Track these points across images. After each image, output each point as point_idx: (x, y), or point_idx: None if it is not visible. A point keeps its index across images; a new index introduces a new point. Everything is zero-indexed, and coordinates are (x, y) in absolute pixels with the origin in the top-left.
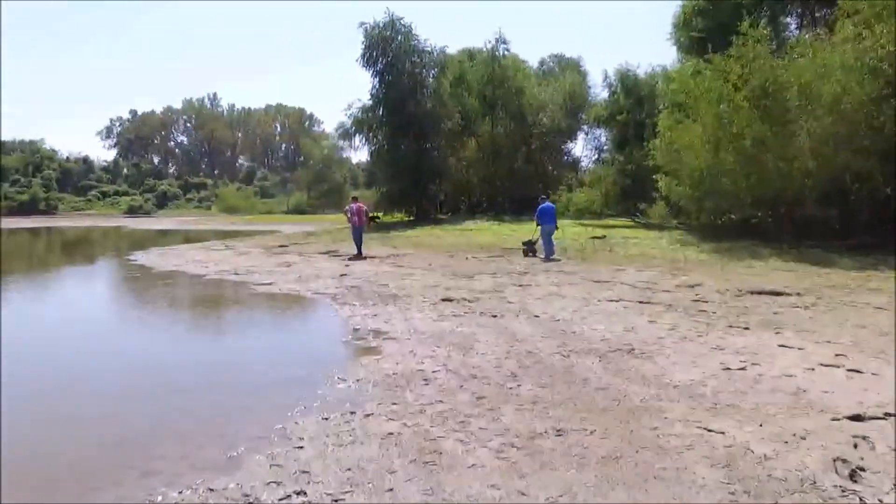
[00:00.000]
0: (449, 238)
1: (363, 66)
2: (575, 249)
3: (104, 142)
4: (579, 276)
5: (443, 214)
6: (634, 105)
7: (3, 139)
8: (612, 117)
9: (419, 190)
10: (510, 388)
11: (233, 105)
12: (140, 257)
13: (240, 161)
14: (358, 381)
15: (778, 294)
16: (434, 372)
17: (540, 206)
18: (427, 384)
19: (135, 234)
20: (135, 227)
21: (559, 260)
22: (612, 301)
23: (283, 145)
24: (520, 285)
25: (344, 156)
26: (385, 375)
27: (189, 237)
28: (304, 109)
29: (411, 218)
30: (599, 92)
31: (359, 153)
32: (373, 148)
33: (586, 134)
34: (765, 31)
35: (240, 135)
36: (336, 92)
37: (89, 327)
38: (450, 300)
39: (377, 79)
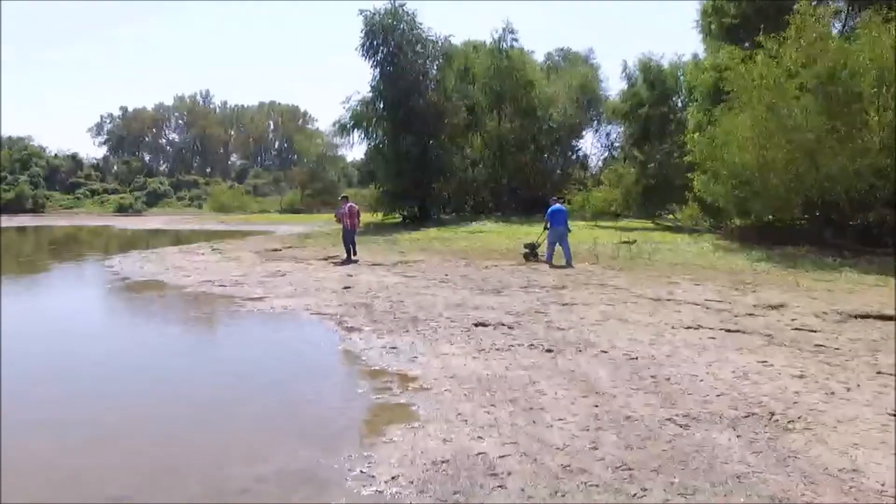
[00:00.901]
0: (459, 241)
1: (362, 55)
2: (608, 256)
3: (94, 139)
4: (628, 291)
5: (446, 215)
6: (658, 98)
7: None
8: (632, 111)
9: (422, 189)
10: (635, 496)
11: (225, 102)
12: (118, 263)
13: (232, 159)
14: (393, 478)
15: (888, 318)
16: (502, 458)
17: (550, 208)
18: (500, 485)
19: (120, 235)
20: (122, 226)
21: (573, 266)
22: (689, 328)
23: (277, 143)
24: (563, 304)
25: (339, 153)
26: (431, 464)
27: (177, 238)
28: (298, 107)
29: (413, 219)
30: (612, 85)
31: (353, 151)
32: (372, 143)
33: (596, 130)
34: (828, 8)
35: (232, 132)
36: (330, 90)
37: None
38: (484, 325)
39: (377, 69)
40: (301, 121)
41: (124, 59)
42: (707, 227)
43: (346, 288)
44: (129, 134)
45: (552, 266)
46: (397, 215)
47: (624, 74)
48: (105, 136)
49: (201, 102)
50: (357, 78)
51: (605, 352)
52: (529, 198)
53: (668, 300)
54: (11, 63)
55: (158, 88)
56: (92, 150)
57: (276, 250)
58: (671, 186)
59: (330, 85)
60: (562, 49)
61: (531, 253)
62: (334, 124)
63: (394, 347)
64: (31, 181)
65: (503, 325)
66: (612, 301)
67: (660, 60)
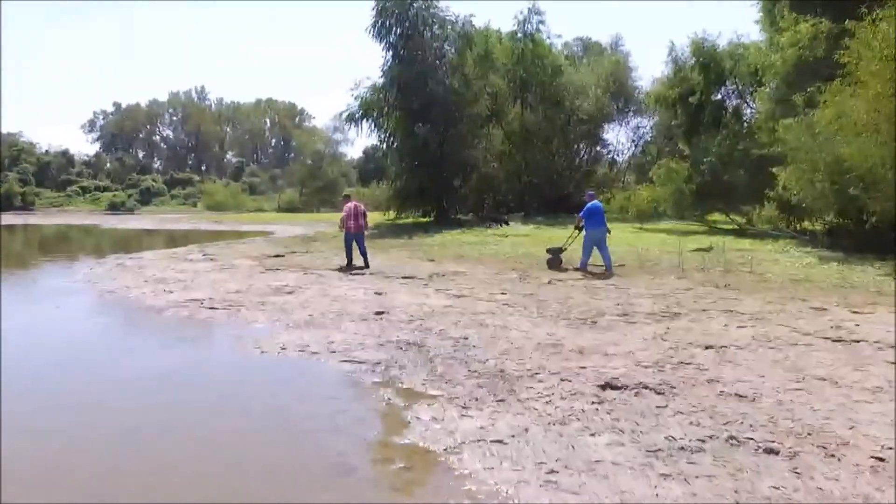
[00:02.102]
0: (491, 246)
1: (373, 36)
2: (694, 268)
3: (87, 135)
4: (773, 322)
5: (463, 215)
6: (714, 83)
7: None
8: (681, 99)
9: (440, 186)
10: None
11: (221, 99)
12: (89, 271)
13: (228, 156)
14: None
15: None
16: None
17: (587, 205)
18: None
19: (105, 236)
20: (110, 225)
21: (613, 273)
22: None
23: (273, 141)
24: (706, 347)
25: (340, 150)
26: None
27: (168, 239)
28: (295, 104)
29: (429, 219)
30: (642, 74)
31: (355, 148)
32: (383, 135)
33: (625, 123)
34: None
35: (228, 130)
36: (328, 87)
37: None
38: (615, 387)
39: (390, 53)
40: (298, 118)
41: (118, 55)
42: (785, 229)
43: (379, 313)
44: (122, 130)
45: (587, 273)
46: (410, 215)
47: (670, 58)
48: (98, 133)
49: (196, 99)
50: (357, 73)
51: (883, 460)
52: (553, 196)
53: (853, 341)
54: (2, 58)
55: (153, 84)
56: (85, 147)
57: (278, 256)
58: (728, 184)
59: (328, 83)
60: (581, 38)
61: (557, 259)
62: (340, 114)
63: (498, 441)
64: (21, 178)
65: (646, 387)
66: (770, 341)
67: (715, 40)
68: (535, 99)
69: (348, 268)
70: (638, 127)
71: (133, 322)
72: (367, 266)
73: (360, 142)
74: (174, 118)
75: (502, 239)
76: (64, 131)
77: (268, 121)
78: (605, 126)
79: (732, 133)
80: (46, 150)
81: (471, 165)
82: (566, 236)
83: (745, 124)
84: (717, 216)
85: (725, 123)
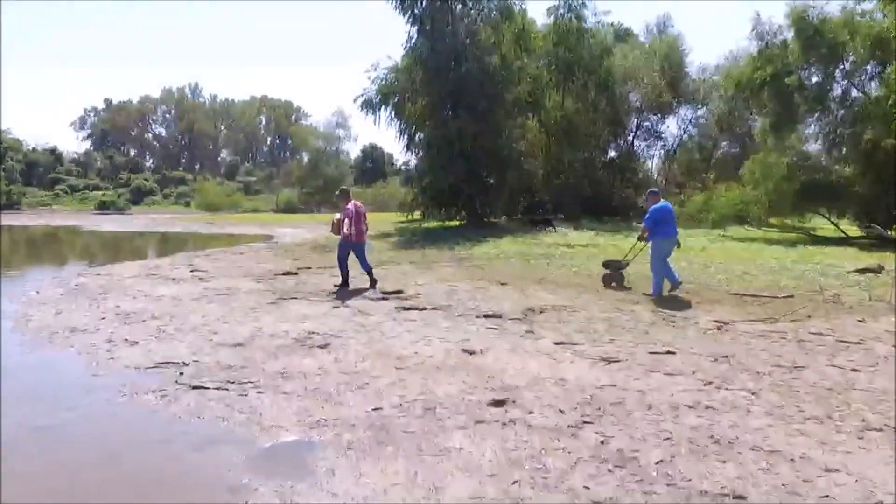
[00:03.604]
0: (561, 260)
1: (396, 8)
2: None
3: (77, 133)
4: None
5: (496, 218)
6: (822, 61)
7: None
8: (772, 80)
9: (475, 184)
10: None
11: (215, 96)
12: (34, 294)
13: (222, 155)
14: None
15: None
16: None
17: (657, 206)
18: None
19: (82, 239)
20: (94, 227)
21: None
22: None
23: (269, 139)
24: None
25: (341, 147)
26: None
27: (153, 244)
28: (291, 102)
29: (460, 223)
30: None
31: (358, 143)
32: (404, 124)
33: (675, 112)
34: None
35: (222, 127)
36: (325, 85)
37: None
38: None
39: (415, 27)
40: (294, 116)
41: (110, 50)
42: None
43: (498, 404)
44: (113, 128)
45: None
46: (433, 218)
47: (753, 33)
48: (88, 131)
49: (189, 96)
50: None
51: None
52: (598, 199)
53: None
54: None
55: (145, 81)
56: (74, 145)
57: (288, 274)
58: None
59: (325, 81)
60: (612, 23)
61: (614, 277)
62: (356, 99)
63: None
64: (6, 176)
65: None
66: None
67: (822, 9)
68: (579, 85)
69: (344, 284)
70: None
71: (46, 439)
72: (373, 285)
73: (366, 135)
74: (167, 115)
75: (568, 250)
76: (53, 129)
77: (263, 119)
78: (658, 116)
79: (839, 120)
80: (34, 148)
81: (511, 161)
82: (629, 246)
83: (858, 110)
84: (810, 221)
85: (832, 109)
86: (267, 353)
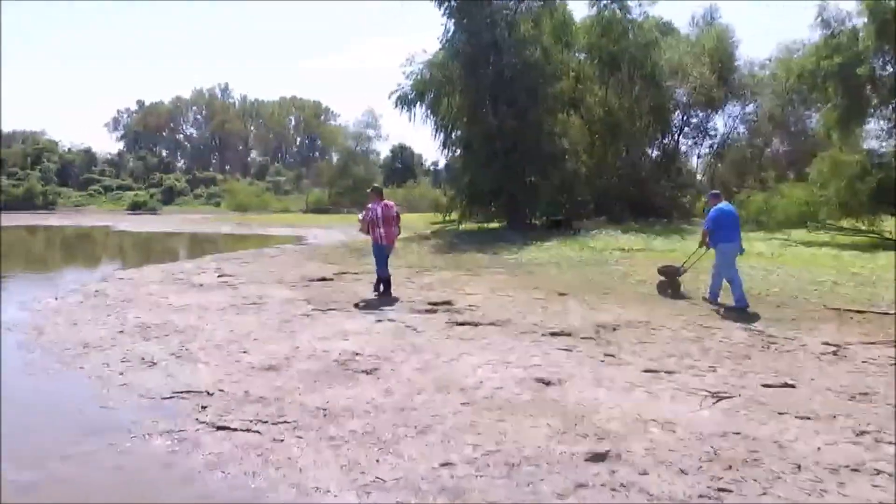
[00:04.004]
0: (615, 267)
1: (433, 0)
2: None
3: (111, 134)
4: None
5: (536, 220)
6: None
7: (2, 131)
8: (843, 70)
9: (518, 185)
10: None
11: (245, 96)
12: (53, 301)
13: (252, 155)
14: None
15: None
16: None
17: (718, 208)
18: None
19: (111, 240)
20: (126, 227)
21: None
22: None
23: (298, 139)
24: None
25: (372, 147)
26: None
27: (182, 245)
28: (320, 102)
29: (500, 225)
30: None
31: (388, 143)
32: (440, 121)
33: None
34: None
35: (252, 128)
36: (353, 86)
37: None
38: None
39: (451, 20)
40: (323, 116)
41: (143, 52)
42: None
43: (598, 458)
44: (145, 129)
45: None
46: (469, 220)
47: (819, 20)
48: (122, 132)
49: (220, 96)
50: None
51: None
52: (639, 198)
53: None
54: (27, 57)
55: (177, 82)
56: (108, 146)
57: (323, 280)
58: None
59: (353, 81)
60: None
61: (673, 283)
62: (390, 95)
63: None
64: (43, 176)
65: None
66: None
67: None
68: (624, 79)
69: (385, 290)
70: (740, 114)
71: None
72: (388, 291)
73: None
74: (198, 116)
75: (623, 255)
76: (89, 130)
77: (292, 119)
78: (706, 112)
79: None
80: (69, 149)
81: (554, 159)
82: (687, 252)
83: None
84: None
85: None
86: (305, 381)
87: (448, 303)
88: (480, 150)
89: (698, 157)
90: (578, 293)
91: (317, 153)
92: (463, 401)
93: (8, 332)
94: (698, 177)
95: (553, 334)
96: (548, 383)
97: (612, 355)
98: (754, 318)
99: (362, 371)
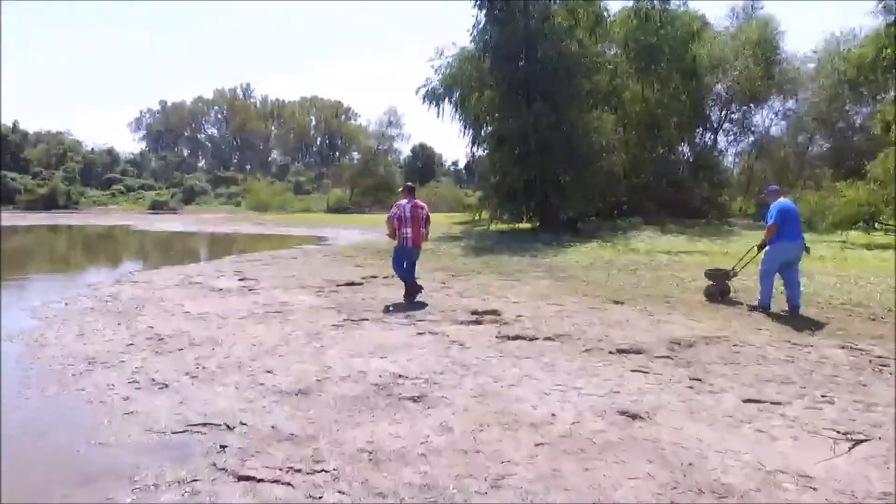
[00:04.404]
0: (665, 272)
1: None
2: None
3: (134, 134)
4: None
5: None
6: None
7: (28, 131)
8: None
9: (552, 184)
10: None
11: (266, 96)
12: (60, 306)
13: (273, 155)
14: None
15: None
16: None
17: (782, 204)
18: None
19: (130, 240)
20: (146, 227)
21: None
22: None
23: (318, 139)
24: None
25: (394, 147)
26: None
27: (201, 244)
28: (341, 102)
29: (532, 225)
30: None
31: (410, 142)
32: (471, 118)
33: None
34: None
35: (273, 128)
36: (374, 86)
37: None
38: None
39: (483, 11)
40: (344, 116)
41: (168, 53)
42: None
43: None
44: (167, 129)
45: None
46: (499, 220)
47: (881, 7)
48: (144, 132)
49: (241, 96)
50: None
51: None
52: (676, 198)
53: None
54: (52, 58)
55: (199, 82)
56: (131, 146)
57: (351, 284)
58: None
59: (374, 82)
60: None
61: (718, 290)
62: (417, 91)
63: None
64: (66, 176)
65: None
66: None
67: None
68: (662, 74)
69: (412, 295)
70: (780, 110)
71: None
72: (412, 297)
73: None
74: (219, 116)
75: (671, 258)
76: (112, 130)
77: (313, 119)
78: (748, 108)
79: None
80: (92, 149)
81: (589, 157)
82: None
83: None
84: None
85: None
86: (342, 410)
87: (493, 312)
88: (513, 147)
89: (736, 155)
90: (635, 301)
91: (337, 153)
92: (537, 440)
93: (8, 344)
94: (737, 175)
95: (621, 352)
96: (633, 416)
97: (699, 379)
98: (840, 332)
99: (409, 398)
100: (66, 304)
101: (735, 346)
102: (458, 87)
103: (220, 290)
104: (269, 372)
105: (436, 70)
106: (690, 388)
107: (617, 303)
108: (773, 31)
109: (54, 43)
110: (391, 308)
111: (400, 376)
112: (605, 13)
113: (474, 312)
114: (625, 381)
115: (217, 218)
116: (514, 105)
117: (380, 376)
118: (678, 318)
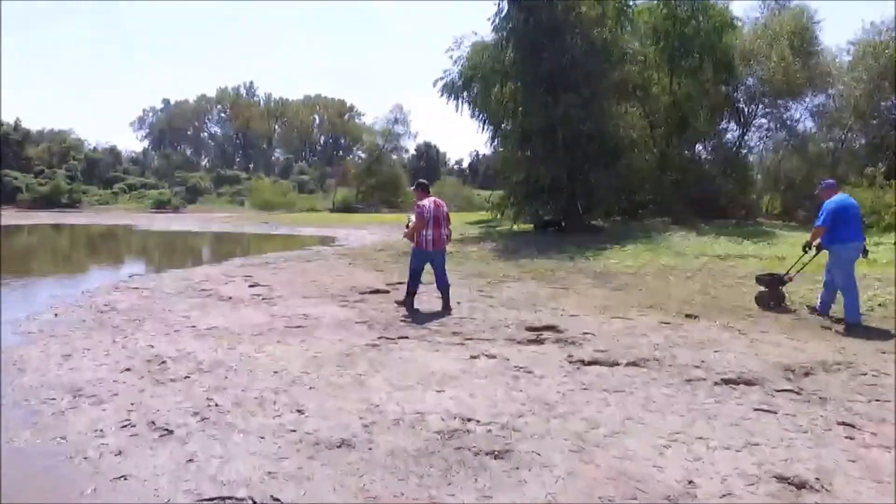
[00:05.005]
0: (725, 277)
1: None
2: None
3: (136, 132)
4: None
5: (594, 220)
6: None
7: (30, 130)
8: None
9: (580, 182)
10: None
11: (269, 95)
12: (48, 317)
13: (276, 154)
14: None
15: None
16: None
17: (837, 201)
18: None
19: (131, 240)
20: (148, 226)
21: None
22: None
23: (322, 138)
24: None
25: (400, 145)
26: None
27: (206, 244)
28: (345, 101)
29: (557, 226)
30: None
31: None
32: (490, 112)
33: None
34: None
35: (276, 126)
36: (377, 84)
37: None
38: None
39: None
40: (347, 115)
41: (171, 51)
42: None
43: None
44: (170, 127)
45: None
46: (525, 220)
47: None
48: (147, 130)
49: (245, 94)
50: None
51: None
52: (703, 196)
53: None
54: (55, 56)
55: (202, 80)
56: (133, 145)
57: (377, 292)
58: None
59: (377, 80)
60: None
61: (772, 296)
62: (435, 83)
63: None
64: (68, 175)
65: None
66: None
67: None
68: (692, 67)
69: (407, 303)
70: (811, 105)
71: None
72: (447, 309)
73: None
74: (222, 114)
75: (727, 262)
76: (114, 129)
77: (316, 117)
78: (782, 102)
79: None
80: (94, 148)
81: (618, 153)
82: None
83: None
84: None
85: None
86: (406, 476)
87: (552, 328)
88: (540, 143)
89: (767, 151)
90: (711, 315)
91: (340, 152)
92: None
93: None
94: (765, 172)
95: (728, 383)
96: (800, 485)
97: (852, 425)
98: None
99: (488, 454)
100: (56, 315)
101: (864, 375)
102: (478, 78)
103: (230, 298)
104: (299, 412)
105: (455, 61)
106: (850, 438)
107: (690, 317)
108: (808, 20)
109: (57, 41)
110: (430, 321)
111: (468, 420)
112: (632, 1)
113: (531, 329)
114: (756, 426)
115: (221, 217)
116: (539, 98)
117: (442, 420)
118: (774, 336)
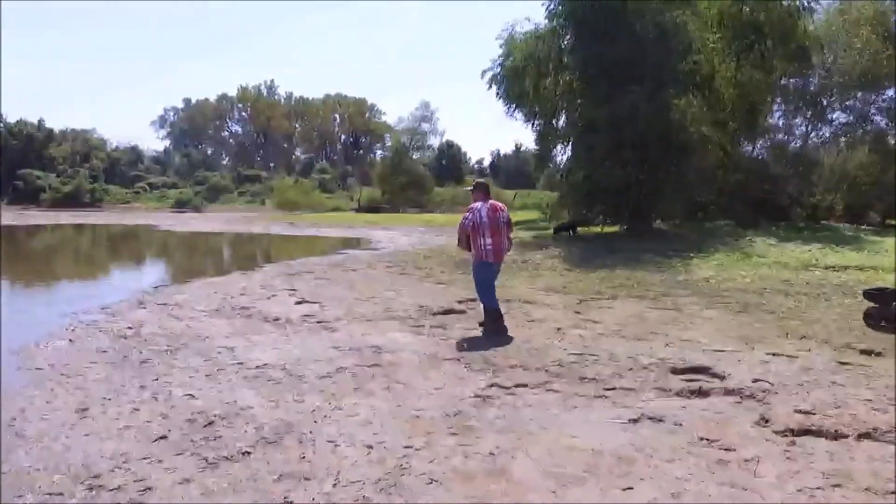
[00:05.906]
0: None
1: None
2: None
3: (157, 132)
4: None
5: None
6: None
7: (53, 129)
8: None
9: (650, 182)
10: None
11: (290, 94)
12: (44, 370)
13: (296, 153)
14: None
15: None
16: None
17: None
18: None
19: (156, 243)
20: (171, 226)
21: None
22: None
23: (343, 137)
24: None
25: (427, 144)
26: None
27: (233, 248)
28: (365, 99)
29: (618, 229)
30: None
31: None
32: (543, 105)
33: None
34: None
35: (297, 125)
36: (398, 83)
37: None
38: None
39: None
40: (368, 114)
41: (191, 49)
42: None
43: None
44: (191, 126)
45: None
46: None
47: None
48: (168, 129)
49: (265, 94)
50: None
51: None
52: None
53: None
54: (78, 57)
55: (223, 79)
56: (155, 144)
57: (451, 312)
58: None
59: (398, 80)
60: None
61: (885, 313)
62: (483, 74)
63: None
64: (91, 174)
65: None
66: None
67: None
68: (762, 56)
69: (495, 328)
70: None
71: None
72: (501, 327)
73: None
74: (243, 113)
75: (849, 277)
76: (136, 128)
77: (337, 116)
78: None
79: None
80: (116, 147)
81: (689, 150)
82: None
83: None
84: None
85: None
86: None
87: (705, 370)
88: (601, 139)
89: (833, 147)
90: (888, 348)
91: (361, 151)
92: None
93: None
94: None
95: None
96: None
97: None
98: None
99: None
100: (71, 341)
101: None
102: (531, 68)
103: (278, 320)
104: None
105: (501, 47)
106: None
107: (869, 353)
108: (890, 5)
109: (80, 41)
110: (539, 358)
111: None
112: None
113: (677, 371)
114: None
115: (244, 217)
116: (602, 89)
117: None
118: None
